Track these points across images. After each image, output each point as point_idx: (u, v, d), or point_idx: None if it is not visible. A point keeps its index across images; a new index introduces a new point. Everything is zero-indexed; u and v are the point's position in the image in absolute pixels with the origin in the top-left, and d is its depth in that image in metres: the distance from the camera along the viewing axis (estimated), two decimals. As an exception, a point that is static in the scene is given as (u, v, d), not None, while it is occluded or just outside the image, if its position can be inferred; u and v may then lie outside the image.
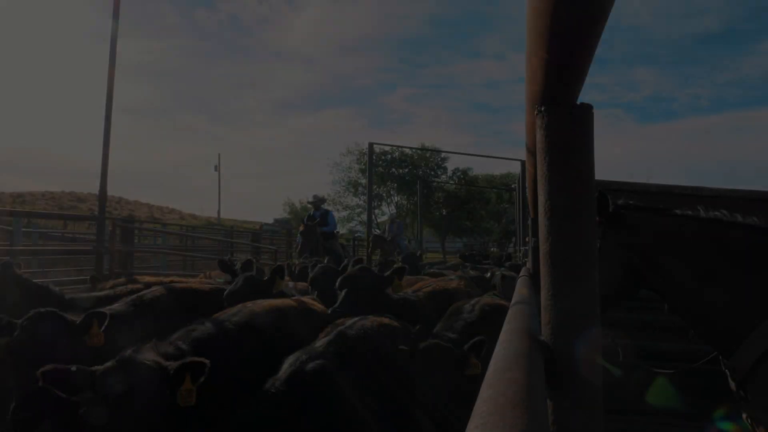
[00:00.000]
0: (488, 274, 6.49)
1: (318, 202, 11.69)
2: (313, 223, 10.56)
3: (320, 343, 2.70)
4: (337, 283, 4.17)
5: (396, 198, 40.60)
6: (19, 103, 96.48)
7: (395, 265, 4.10)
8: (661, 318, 3.65)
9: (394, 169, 39.93)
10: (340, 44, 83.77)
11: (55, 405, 1.94)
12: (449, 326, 3.20)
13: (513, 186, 31.45)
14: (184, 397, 2.04)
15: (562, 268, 1.25)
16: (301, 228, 10.54)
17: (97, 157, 8.00)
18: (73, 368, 2.00)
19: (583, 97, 1.29)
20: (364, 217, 32.58)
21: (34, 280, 4.12)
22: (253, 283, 3.98)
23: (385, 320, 3.10)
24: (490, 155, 53.41)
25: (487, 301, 3.47)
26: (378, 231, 19.62)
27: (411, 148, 37.15)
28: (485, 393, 0.87)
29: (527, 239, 5.84)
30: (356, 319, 3.00)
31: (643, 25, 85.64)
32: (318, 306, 3.75)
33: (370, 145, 19.08)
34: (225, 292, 3.88)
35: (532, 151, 2.04)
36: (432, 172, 40.65)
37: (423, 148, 37.23)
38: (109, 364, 2.06)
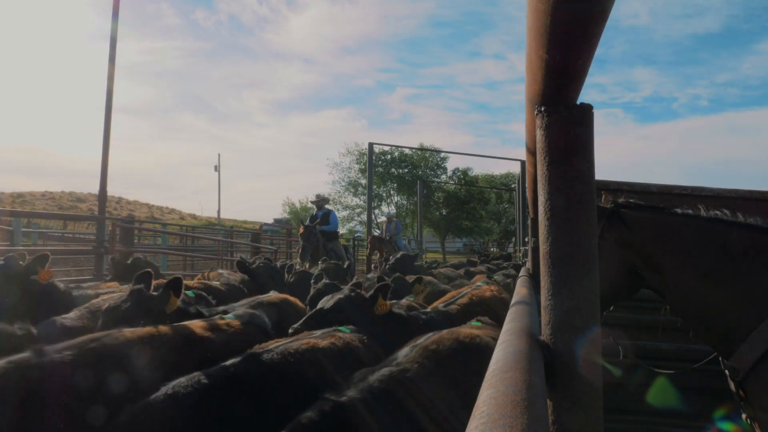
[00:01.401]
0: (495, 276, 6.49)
1: (321, 201, 11.51)
2: (312, 225, 10.49)
3: (212, 369, 2.13)
4: (306, 300, 3.83)
5: (396, 198, 40.64)
6: (19, 102, 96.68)
7: (379, 283, 3.48)
8: (661, 318, 3.66)
9: (394, 169, 39.97)
10: (340, 44, 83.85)
11: None
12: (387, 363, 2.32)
13: (513, 186, 31.48)
14: None
15: (562, 268, 1.25)
16: (301, 230, 10.31)
17: (97, 157, 8.03)
18: None
19: (583, 97, 1.30)
20: (364, 217, 32.57)
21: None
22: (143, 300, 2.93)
23: (323, 343, 2.49)
24: (490, 155, 53.60)
25: (467, 334, 2.60)
26: (378, 231, 19.60)
27: (411, 148, 37.25)
28: (485, 393, 0.87)
29: (527, 239, 5.84)
30: (286, 341, 2.45)
31: (643, 25, 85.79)
32: (226, 328, 2.84)
33: (370, 145, 19.11)
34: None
35: (532, 151, 2.04)
36: (432, 172, 40.69)
37: (423, 148, 37.28)
38: None
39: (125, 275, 5.20)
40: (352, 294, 3.30)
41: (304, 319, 3.11)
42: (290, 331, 2.94)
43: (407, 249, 16.94)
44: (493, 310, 3.75)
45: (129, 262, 5.74)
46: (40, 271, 3.73)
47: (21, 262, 3.73)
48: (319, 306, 3.25)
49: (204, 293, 4.14)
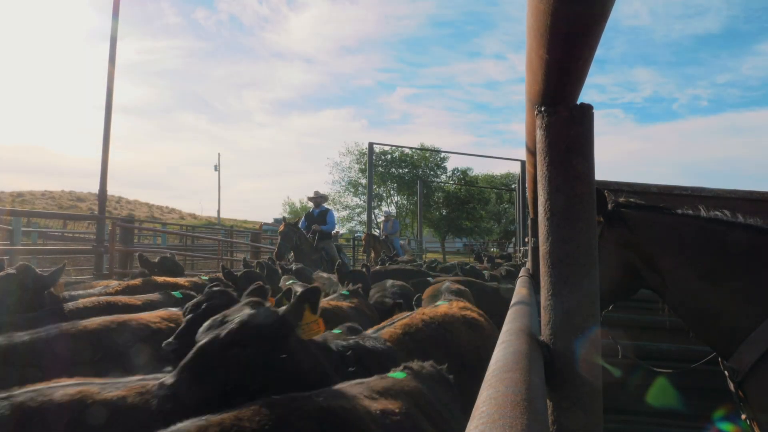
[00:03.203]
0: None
1: (318, 199, 10.73)
2: (294, 224, 9.98)
3: None
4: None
5: (396, 198, 40.66)
6: (20, 102, 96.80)
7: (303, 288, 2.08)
8: (661, 318, 3.65)
9: (394, 169, 39.98)
10: (340, 44, 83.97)
11: None
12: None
13: (513, 186, 31.49)
14: None
15: (562, 268, 1.25)
16: (281, 228, 9.60)
17: (97, 156, 8.03)
18: None
19: (583, 97, 1.30)
20: (364, 217, 32.59)
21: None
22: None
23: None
24: (490, 155, 53.68)
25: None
26: (377, 231, 19.56)
27: (411, 148, 37.29)
28: (485, 393, 0.87)
29: (527, 239, 5.84)
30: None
31: (643, 26, 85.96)
32: None
33: (370, 145, 19.12)
34: None
35: (532, 151, 2.04)
36: (432, 172, 40.70)
37: (423, 148, 37.30)
38: None
39: (153, 273, 5.36)
40: (256, 310, 1.91)
41: (181, 364, 1.74)
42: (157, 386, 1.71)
43: (403, 248, 16.92)
44: (452, 334, 2.90)
45: (156, 260, 5.85)
46: (59, 284, 3.70)
47: (38, 270, 3.68)
48: (203, 338, 1.81)
49: (192, 292, 4.11)
